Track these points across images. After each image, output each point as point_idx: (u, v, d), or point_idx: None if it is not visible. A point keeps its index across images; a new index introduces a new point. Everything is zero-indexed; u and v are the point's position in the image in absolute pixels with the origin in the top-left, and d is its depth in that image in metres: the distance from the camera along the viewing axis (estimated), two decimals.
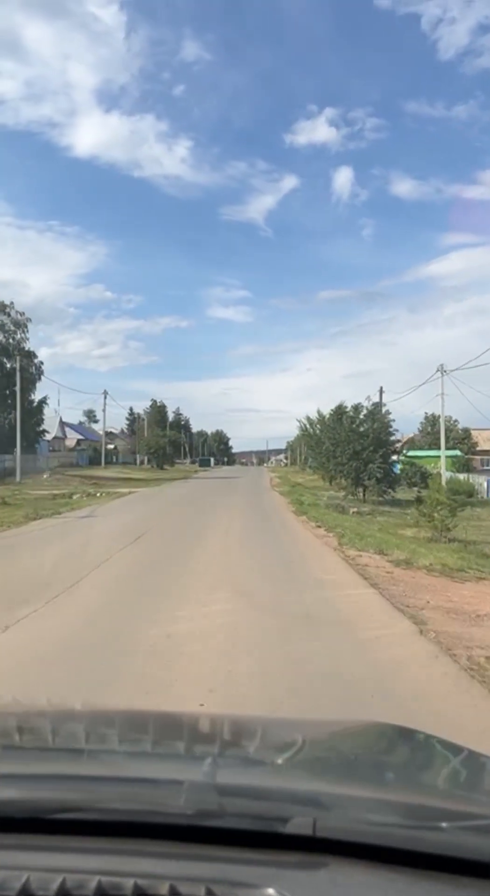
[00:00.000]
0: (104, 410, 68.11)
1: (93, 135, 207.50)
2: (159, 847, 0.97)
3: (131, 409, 71.58)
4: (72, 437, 79.67)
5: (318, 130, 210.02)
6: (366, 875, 0.93)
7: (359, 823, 1.00)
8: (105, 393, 67.03)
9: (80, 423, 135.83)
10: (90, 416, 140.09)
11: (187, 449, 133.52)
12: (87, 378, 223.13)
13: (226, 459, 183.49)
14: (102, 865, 0.92)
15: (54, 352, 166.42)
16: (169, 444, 73.42)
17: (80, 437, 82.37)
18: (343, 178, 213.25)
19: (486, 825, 1.01)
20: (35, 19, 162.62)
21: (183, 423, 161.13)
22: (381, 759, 1.66)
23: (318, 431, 45.86)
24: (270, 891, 0.88)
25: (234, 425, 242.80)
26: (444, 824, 0.98)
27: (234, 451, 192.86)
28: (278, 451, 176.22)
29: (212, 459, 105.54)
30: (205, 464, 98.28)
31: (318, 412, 45.96)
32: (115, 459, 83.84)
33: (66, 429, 78.81)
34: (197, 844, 0.98)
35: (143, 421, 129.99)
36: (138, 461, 78.10)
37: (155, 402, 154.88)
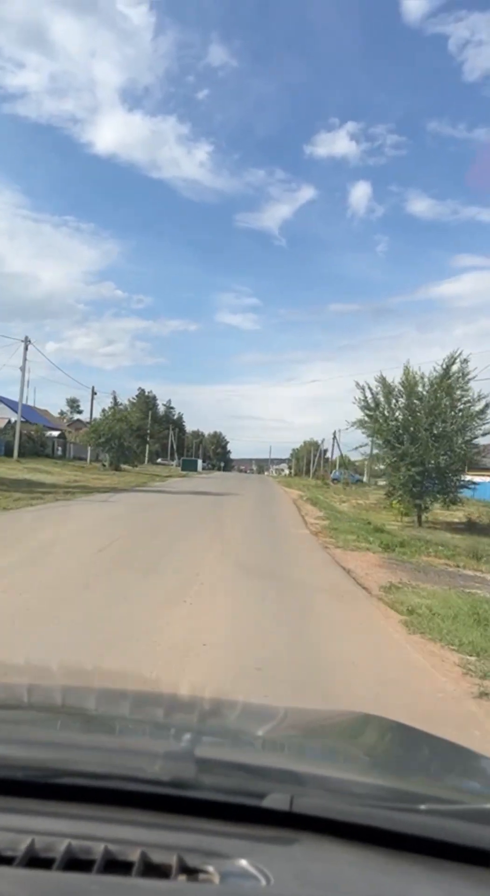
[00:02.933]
0: (22, 369, 43.82)
1: (114, 133, 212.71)
2: (132, 815, 0.95)
3: (115, 397, 47.30)
4: (1, 416, 55.62)
5: (338, 143, 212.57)
6: (343, 852, 0.92)
7: (337, 802, 0.98)
8: (26, 341, 42.85)
9: (61, 412, 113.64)
10: (73, 405, 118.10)
11: (174, 447, 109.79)
12: (91, 375, 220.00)
13: (223, 464, 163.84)
14: (73, 829, 0.90)
15: (61, 346, 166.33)
16: (132, 433, 49.23)
17: (22, 418, 58.14)
18: (360, 192, 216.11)
19: (462, 810, 1.00)
20: (63, 13, 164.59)
21: (174, 418, 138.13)
22: (361, 745, 1.60)
23: (402, 408, 21.90)
24: (243, 862, 0.86)
25: (236, 432, 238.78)
26: (422, 807, 0.97)
27: (233, 456, 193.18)
28: (280, 461, 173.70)
29: (200, 462, 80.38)
30: (189, 467, 73.73)
31: (406, 370, 22.03)
32: (61, 452, 60.06)
33: None
34: (171, 815, 0.96)
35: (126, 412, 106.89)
36: (89, 457, 53.81)
37: (142, 390, 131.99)
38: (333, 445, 79.60)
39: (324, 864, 0.90)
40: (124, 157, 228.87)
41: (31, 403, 65.81)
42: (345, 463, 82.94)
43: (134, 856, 0.85)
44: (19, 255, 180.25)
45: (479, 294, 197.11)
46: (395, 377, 21.94)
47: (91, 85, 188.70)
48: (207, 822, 0.95)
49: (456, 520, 23.42)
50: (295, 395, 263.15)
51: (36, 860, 0.84)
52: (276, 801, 0.95)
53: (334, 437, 79.50)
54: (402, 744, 1.64)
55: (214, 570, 8.50)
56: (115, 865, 0.84)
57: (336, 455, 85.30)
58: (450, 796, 1.09)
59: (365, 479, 68.58)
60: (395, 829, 0.93)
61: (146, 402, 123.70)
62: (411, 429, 21.12)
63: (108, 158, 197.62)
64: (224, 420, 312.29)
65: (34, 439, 51.39)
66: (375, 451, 25.50)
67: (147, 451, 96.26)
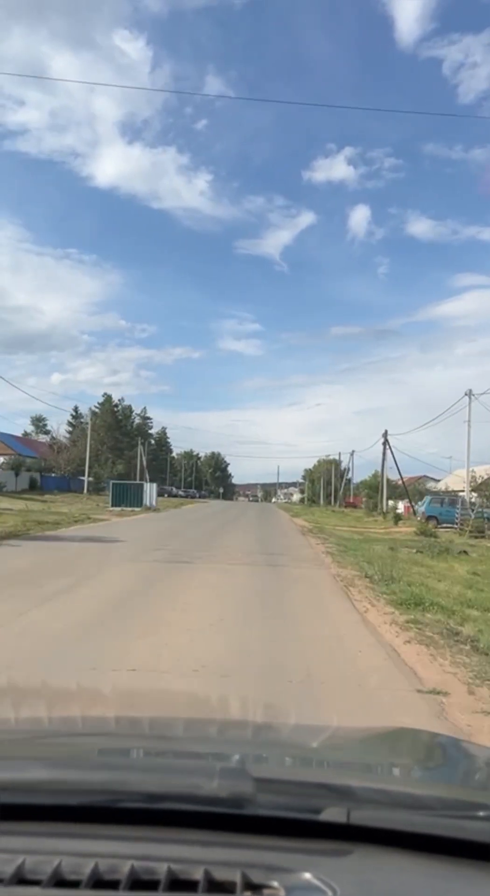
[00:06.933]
0: None
1: (114, 166, 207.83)
2: (193, 835, 0.96)
3: (76, 408, 16.13)
4: None
5: (336, 168, 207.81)
6: (402, 861, 0.93)
7: (395, 812, 0.99)
8: None
9: (25, 433, 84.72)
10: (38, 424, 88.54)
11: (144, 465, 79.04)
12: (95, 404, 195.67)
13: (222, 490, 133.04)
14: (135, 851, 0.91)
15: (66, 378, 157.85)
16: None
17: None
18: (359, 216, 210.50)
19: None
20: (62, 51, 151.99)
21: (148, 428, 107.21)
22: (411, 757, 1.63)
23: None
24: (307, 875, 0.87)
25: (242, 457, 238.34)
26: (480, 813, 0.98)
27: (238, 481, 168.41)
28: (289, 484, 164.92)
29: (150, 487, 41.92)
30: (127, 498, 38.64)
31: None
32: None
33: None
34: (231, 833, 0.97)
35: (88, 426, 76.45)
36: None
37: (109, 397, 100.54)
38: (384, 455, 48.45)
39: (386, 874, 0.91)
40: (125, 189, 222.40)
41: None
42: (394, 485, 52.10)
43: (198, 874, 0.86)
44: (22, 289, 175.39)
45: (481, 313, 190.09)
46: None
47: (90, 119, 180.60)
48: (267, 838, 0.95)
49: None
50: (299, 420, 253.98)
51: (101, 882, 0.85)
52: (333, 814, 0.95)
53: (386, 442, 48.13)
54: (451, 755, 1.65)
55: None
56: (179, 884, 0.85)
57: (367, 473, 54.83)
58: None
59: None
60: (457, 836, 0.94)
61: (112, 412, 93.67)
62: None
63: (110, 191, 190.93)
64: (230, 446, 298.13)
65: None
66: None
67: (86, 480, 65.89)
